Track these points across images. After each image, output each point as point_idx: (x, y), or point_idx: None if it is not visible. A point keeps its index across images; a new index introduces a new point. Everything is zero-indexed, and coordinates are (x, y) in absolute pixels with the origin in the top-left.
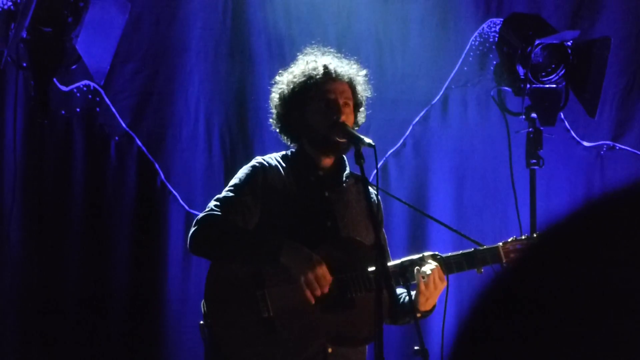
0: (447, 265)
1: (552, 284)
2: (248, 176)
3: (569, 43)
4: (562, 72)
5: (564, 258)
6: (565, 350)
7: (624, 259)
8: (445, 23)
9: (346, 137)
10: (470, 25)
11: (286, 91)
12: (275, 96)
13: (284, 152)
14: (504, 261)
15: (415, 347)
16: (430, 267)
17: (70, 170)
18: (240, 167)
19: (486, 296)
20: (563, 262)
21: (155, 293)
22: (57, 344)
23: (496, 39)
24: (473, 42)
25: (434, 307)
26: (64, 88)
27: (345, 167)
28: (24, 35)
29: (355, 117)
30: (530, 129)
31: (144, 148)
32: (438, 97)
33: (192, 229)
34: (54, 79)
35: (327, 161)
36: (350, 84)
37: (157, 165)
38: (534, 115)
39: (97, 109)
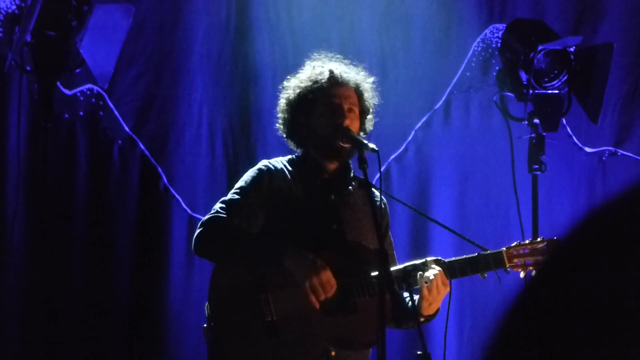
0: (450, 270)
1: (591, 286)
2: (254, 179)
3: (572, 49)
4: (565, 77)
5: (597, 261)
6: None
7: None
8: (447, 28)
9: (350, 142)
10: (473, 30)
11: (292, 96)
12: (282, 101)
13: (290, 156)
14: (507, 266)
15: (418, 352)
16: (433, 272)
17: (74, 173)
18: (243, 171)
19: (522, 303)
20: (595, 265)
21: (158, 296)
22: (60, 346)
23: (499, 44)
24: (476, 48)
25: (437, 311)
26: (67, 92)
27: (350, 171)
28: (28, 39)
29: (363, 123)
30: (532, 135)
31: (147, 152)
32: (440, 103)
33: (197, 231)
34: (58, 83)
35: (333, 165)
36: (357, 90)
37: (160, 169)
38: (536, 120)
39: (101, 113)
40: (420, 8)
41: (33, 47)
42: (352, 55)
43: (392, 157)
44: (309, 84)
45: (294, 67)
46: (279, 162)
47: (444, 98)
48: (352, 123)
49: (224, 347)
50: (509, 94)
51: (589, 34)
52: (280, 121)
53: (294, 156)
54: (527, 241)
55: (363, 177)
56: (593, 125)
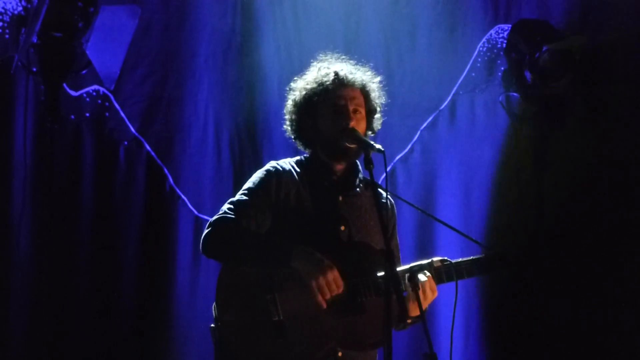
0: (457, 271)
1: None
2: (262, 180)
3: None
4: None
5: None
6: None
7: None
8: (453, 29)
9: (355, 142)
10: (478, 31)
11: (299, 98)
12: (289, 102)
13: (298, 157)
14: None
15: (425, 352)
16: (422, 277)
17: (80, 174)
18: (249, 171)
19: None
20: None
21: (165, 296)
22: (67, 347)
23: (504, 44)
24: (481, 48)
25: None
26: (73, 93)
27: (358, 172)
28: (35, 40)
29: (370, 123)
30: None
31: (153, 153)
32: (446, 103)
33: (205, 231)
34: (64, 84)
35: (340, 166)
36: (363, 90)
37: (166, 170)
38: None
39: (107, 114)
40: (426, 9)
41: (39, 48)
42: (358, 56)
43: (398, 157)
44: (315, 85)
45: (300, 69)
46: (287, 163)
47: (449, 98)
48: (357, 124)
49: (231, 347)
50: (515, 94)
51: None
52: (287, 122)
53: (301, 157)
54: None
55: (369, 178)
56: None
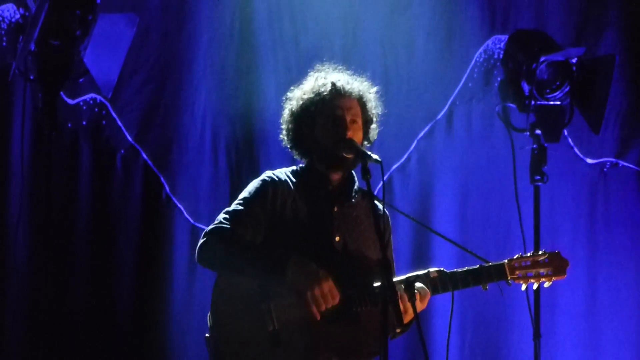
0: (452, 281)
1: None
2: (258, 190)
3: (574, 60)
4: (567, 89)
5: None
6: None
7: None
8: (450, 39)
9: (353, 152)
10: (475, 41)
11: (295, 107)
12: (285, 112)
13: (293, 167)
14: (509, 278)
15: None
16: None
17: (77, 183)
18: (246, 180)
19: None
20: None
21: (161, 305)
22: (63, 354)
23: (501, 55)
24: (478, 58)
25: (411, 322)
26: (70, 101)
27: (354, 182)
28: (32, 48)
29: (367, 133)
30: (534, 145)
31: (149, 161)
32: (443, 113)
33: (201, 241)
34: (61, 92)
35: (336, 176)
36: (360, 101)
37: (162, 179)
38: (538, 131)
39: (103, 122)
40: (423, 19)
41: (37, 56)
42: (356, 66)
43: (395, 166)
44: (312, 95)
45: (298, 78)
46: (283, 173)
47: (446, 108)
48: (354, 134)
49: (226, 357)
50: (511, 104)
51: (591, 45)
52: (284, 132)
53: (297, 167)
54: (529, 254)
55: (366, 188)
56: (594, 136)
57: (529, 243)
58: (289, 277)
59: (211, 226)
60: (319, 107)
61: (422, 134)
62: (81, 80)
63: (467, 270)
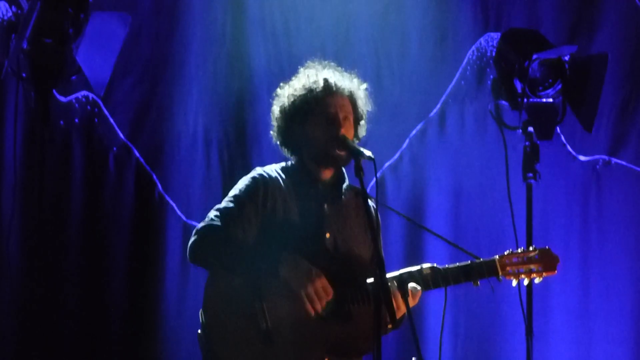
0: (443, 278)
1: None
2: (248, 187)
3: (567, 58)
4: (559, 86)
5: None
6: None
7: None
8: (443, 37)
9: (346, 150)
10: (468, 39)
11: (287, 105)
12: (275, 109)
13: (283, 164)
14: (500, 274)
15: (413, 358)
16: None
17: (69, 181)
18: (238, 178)
19: None
20: None
21: (153, 303)
22: (56, 354)
23: (494, 53)
24: (470, 56)
25: (402, 318)
26: (62, 98)
27: (344, 179)
28: (25, 46)
29: (356, 130)
30: (527, 143)
31: (142, 159)
32: (435, 111)
33: (192, 239)
34: (53, 90)
35: (327, 173)
36: (351, 98)
37: (155, 177)
38: (530, 129)
39: (96, 120)
40: (415, 17)
41: (29, 54)
42: (348, 64)
43: (387, 164)
44: (304, 92)
45: (290, 77)
46: (273, 170)
47: (438, 106)
48: (347, 131)
49: (218, 355)
50: (504, 102)
51: (584, 43)
52: (274, 129)
53: (287, 164)
54: (519, 250)
55: (359, 186)
56: (587, 134)
57: (522, 241)
58: (282, 275)
59: (202, 224)
60: (311, 105)
61: (414, 132)
62: (73, 77)
63: (458, 266)
